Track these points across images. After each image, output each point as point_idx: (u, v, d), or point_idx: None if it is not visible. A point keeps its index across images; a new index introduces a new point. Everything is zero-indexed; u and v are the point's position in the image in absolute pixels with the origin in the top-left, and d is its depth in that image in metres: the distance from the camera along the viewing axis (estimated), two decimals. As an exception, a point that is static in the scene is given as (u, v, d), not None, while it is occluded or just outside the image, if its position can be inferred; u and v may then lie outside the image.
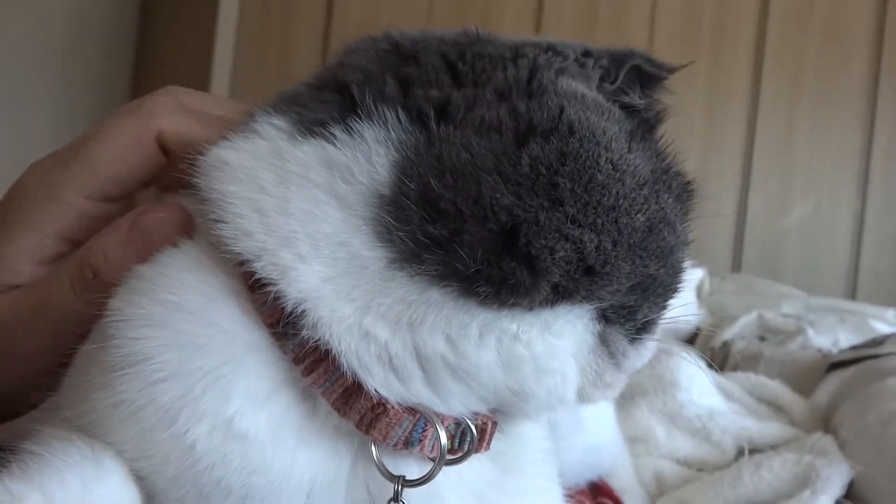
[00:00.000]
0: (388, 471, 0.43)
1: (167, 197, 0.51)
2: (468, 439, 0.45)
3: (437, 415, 0.43)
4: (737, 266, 2.90)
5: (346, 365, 0.41)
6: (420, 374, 0.42)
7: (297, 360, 0.42)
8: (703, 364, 1.13)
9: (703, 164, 2.84)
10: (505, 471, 0.48)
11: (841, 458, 0.95)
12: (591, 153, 0.41)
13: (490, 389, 0.43)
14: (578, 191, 0.40)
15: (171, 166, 0.49)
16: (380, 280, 0.41)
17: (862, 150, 2.87)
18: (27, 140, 2.81)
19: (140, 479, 0.42)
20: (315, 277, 0.41)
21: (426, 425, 0.43)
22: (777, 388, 1.25)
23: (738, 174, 2.93)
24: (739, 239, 2.93)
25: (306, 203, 0.42)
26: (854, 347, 1.44)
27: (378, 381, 0.42)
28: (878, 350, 1.32)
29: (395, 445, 0.43)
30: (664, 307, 0.46)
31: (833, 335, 1.64)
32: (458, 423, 0.45)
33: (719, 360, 1.54)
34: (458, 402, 0.43)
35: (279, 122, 0.44)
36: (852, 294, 2.83)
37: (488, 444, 0.46)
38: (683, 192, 0.47)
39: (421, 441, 0.43)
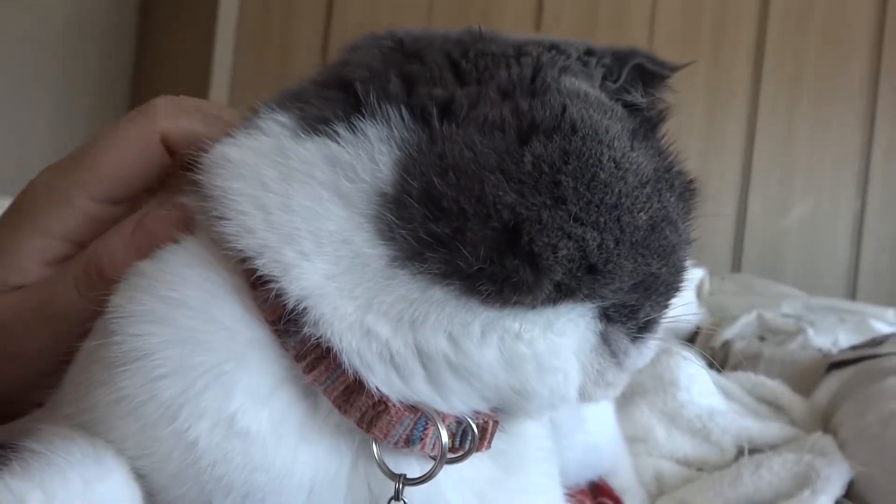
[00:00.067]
0: (389, 469, 0.43)
1: (172, 197, 0.51)
2: (469, 438, 0.45)
3: (439, 413, 0.43)
4: (737, 266, 2.90)
5: (347, 363, 0.41)
6: (421, 372, 0.42)
7: (298, 358, 0.42)
8: (703, 364, 1.13)
9: (703, 164, 2.84)
10: (506, 469, 0.48)
11: (841, 458, 0.95)
12: (593, 151, 0.41)
13: (492, 388, 0.43)
14: (581, 189, 0.41)
15: (178, 166, 0.49)
16: (382, 278, 0.41)
17: (862, 150, 2.87)
18: (27, 140, 2.81)
19: (141, 477, 0.42)
20: (317, 275, 0.41)
21: (427, 423, 0.43)
22: (777, 388, 1.25)
23: (738, 174, 2.93)
24: (739, 239, 2.94)
25: (309, 200, 0.42)
26: (854, 347, 1.44)
27: (379, 379, 0.42)
28: (878, 350, 1.32)
29: (396, 444, 0.43)
30: (666, 306, 0.46)
31: (833, 335, 1.64)
32: (459, 422, 0.45)
33: (720, 359, 1.54)
34: (459, 401, 0.43)
35: (283, 118, 0.45)
36: (852, 294, 2.83)
37: (489, 442, 0.46)
38: (686, 190, 0.47)
39: (422, 439, 0.43)
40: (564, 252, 0.40)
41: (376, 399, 0.42)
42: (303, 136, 0.43)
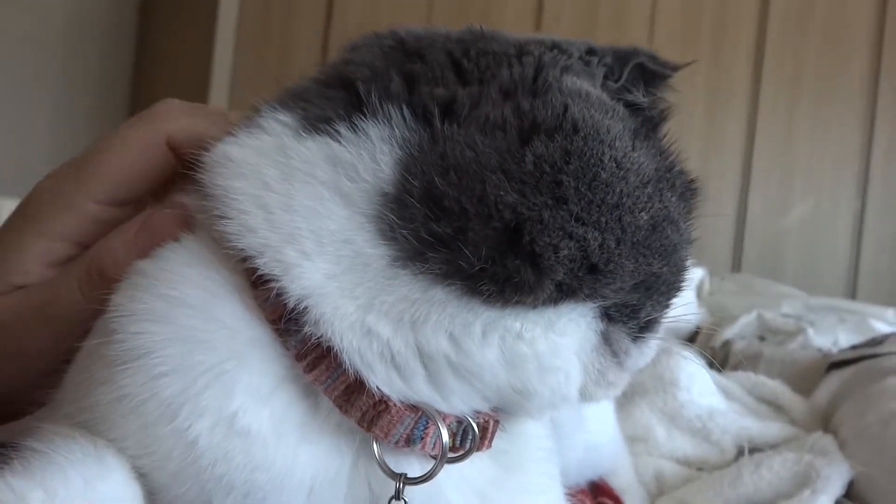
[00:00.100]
0: (389, 468, 0.43)
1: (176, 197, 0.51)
2: (470, 437, 0.45)
3: (439, 413, 0.43)
4: (737, 266, 2.90)
5: (348, 362, 0.41)
6: (422, 371, 0.42)
7: (298, 357, 0.42)
8: (703, 363, 1.13)
9: (703, 164, 2.84)
10: (507, 469, 0.48)
11: (841, 458, 0.95)
12: (595, 151, 0.41)
13: (492, 388, 0.43)
14: (582, 189, 0.41)
15: (183, 168, 0.49)
16: (383, 278, 0.41)
17: (862, 150, 2.87)
18: (27, 140, 2.81)
19: (142, 476, 0.42)
20: (318, 274, 0.41)
21: (428, 423, 0.43)
22: (777, 388, 1.25)
23: (738, 174, 2.93)
24: (739, 239, 2.94)
25: (311, 200, 0.42)
26: (854, 347, 1.44)
27: (380, 379, 0.42)
28: (878, 350, 1.32)
29: (396, 443, 0.43)
30: (667, 306, 0.46)
31: (833, 335, 1.64)
32: (459, 422, 0.45)
33: (720, 359, 1.54)
34: (460, 401, 0.44)
35: (285, 117, 0.45)
36: (852, 294, 2.83)
37: (490, 442, 0.46)
38: (687, 190, 0.47)
39: (422, 439, 0.43)
40: (566, 252, 0.40)
41: (377, 398, 0.42)
42: (304, 135, 0.43)
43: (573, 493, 0.56)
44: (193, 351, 0.41)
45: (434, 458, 0.44)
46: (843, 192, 2.89)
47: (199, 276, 0.43)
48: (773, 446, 1.06)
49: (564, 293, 0.41)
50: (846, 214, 2.88)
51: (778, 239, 2.92)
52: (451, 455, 0.44)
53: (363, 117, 0.43)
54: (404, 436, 0.43)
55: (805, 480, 0.89)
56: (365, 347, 0.41)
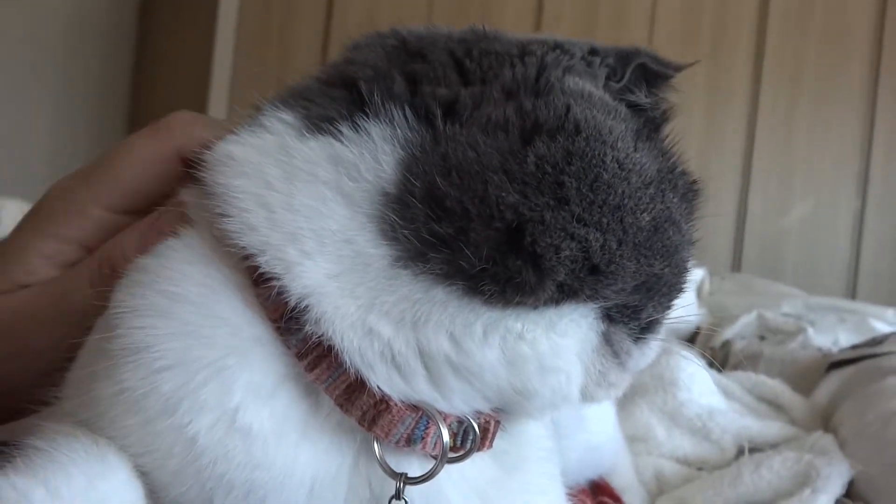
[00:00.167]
0: (390, 468, 0.43)
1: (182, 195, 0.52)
2: (471, 438, 0.45)
3: (440, 413, 0.44)
4: (737, 266, 2.91)
5: (348, 362, 0.41)
6: (423, 371, 0.42)
7: (299, 356, 0.42)
8: (703, 363, 1.13)
9: (703, 164, 2.84)
10: (507, 469, 0.48)
11: (841, 457, 0.95)
12: (597, 152, 0.41)
13: (493, 388, 0.43)
14: (584, 190, 0.41)
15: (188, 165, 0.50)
16: (384, 278, 0.41)
17: (862, 149, 2.87)
18: (27, 140, 2.81)
19: (143, 475, 0.42)
20: (319, 274, 0.41)
21: (429, 423, 0.43)
22: (777, 388, 1.25)
23: (738, 174, 2.93)
24: (739, 239, 2.94)
25: (312, 199, 0.42)
26: (854, 347, 1.44)
27: (381, 379, 0.42)
28: (878, 349, 1.32)
29: (397, 443, 0.43)
30: (669, 307, 0.46)
31: (833, 334, 1.64)
32: (460, 422, 0.45)
33: (720, 359, 1.54)
34: (461, 401, 0.44)
35: (287, 116, 0.45)
36: (852, 293, 2.83)
37: (491, 442, 0.46)
38: (689, 191, 0.47)
39: (423, 439, 0.43)
40: (567, 253, 0.40)
41: (378, 398, 0.42)
42: (307, 134, 0.43)
43: (573, 493, 0.56)
44: (194, 346, 0.42)
45: (435, 458, 0.44)
46: (843, 192, 2.89)
47: (200, 274, 0.44)
48: (773, 446, 1.06)
49: (566, 294, 0.41)
50: (846, 214, 2.88)
51: (778, 239, 2.92)
52: (451, 455, 0.44)
53: (365, 117, 0.43)
54: (405, 435, 0.43)
55: (805, 480, 0.89)
56: (366, 347, 0.41)
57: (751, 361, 1.46)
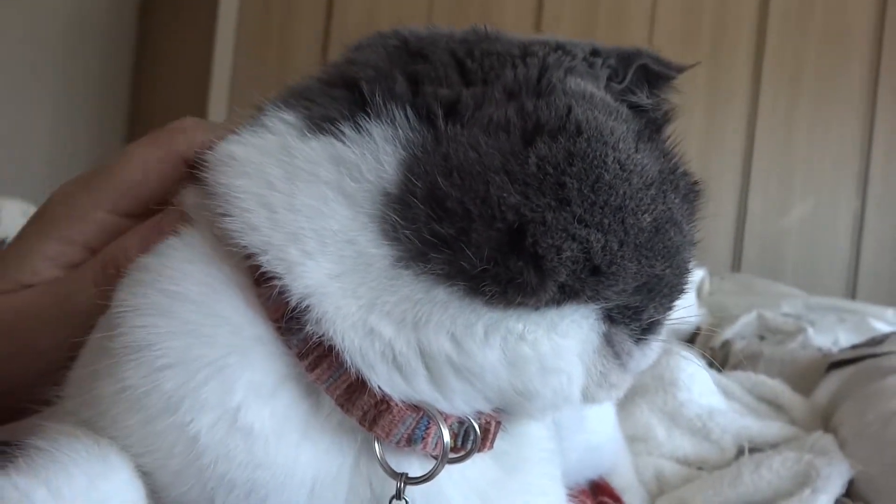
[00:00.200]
0: (390, 468, 0.43)
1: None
2: (471, 438, 0.45)
3: (441, 413, 0.44)
4: (737, 266, 2.91)
5: (349, 362, 0.41)
6: (424, 372, 0.42)
7: (300, 356, 0.42)
8: (703, 363, 1.13)
9: (703, 164, 2.84)
10: (508, 470, 0.48)
11: (841, 457, 0.95)
12: (598, 153, 0.41)
13: (494, 389, 0.43)
14: (585, 190, 0.41)
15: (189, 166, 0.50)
16: (385, 278, 0.41)
17: (862, 149, 2.87)
18: (27, 140, 2.81)
19: (145, 475, 0.42)
20: (321, 274, 0.41)
21: (429, 423, 0.43)
22: (777, 387, 1.25)
23: (738, 174, 2.94)
24: (739, 239, 2.94)
25: (314, 200, 0.42)
26: (854, 347, 1.44)
27: (382, 379, 0.42)
28: (878, 349, 1.32)
29: (398, 443, 0.43)
30: (670, 308, 0.46)
31: (833, 334, 1.64)
32: (461, 422, 0.45)
33: (720, 359, 1.54)
34: (461, 401, 0.44)
35: (289, 117, 0.45)
36: (852, 293, 2.83)
37: (492, 443, 0.46)
38: (690, 192, 0.47)
39: (424, 439, 0.43)
40: (568, 254, 0.40)
41: (378, 398, 0.42)
42: (308, 134, 0.43)
43: (574, 494, 0.56)
44: (195, 345, 0.42)
45: (435, 458, 0.44)
46: (843, 192, 2.89)
47: (201, 273, 0.44)
48: (773, 446, 1.06)
49: (567, 295, 0.41)
50: (846, 214, 2.88)
51: (778, 239, 2.92)
52: (452, 455, 0.44)
53: (367, 117, 0.43)
54: (406, 436, 0.43)
55: (805, 480, 0.89)
56: (367, 347, 0.41)
57: (751, 361, 1.46)
